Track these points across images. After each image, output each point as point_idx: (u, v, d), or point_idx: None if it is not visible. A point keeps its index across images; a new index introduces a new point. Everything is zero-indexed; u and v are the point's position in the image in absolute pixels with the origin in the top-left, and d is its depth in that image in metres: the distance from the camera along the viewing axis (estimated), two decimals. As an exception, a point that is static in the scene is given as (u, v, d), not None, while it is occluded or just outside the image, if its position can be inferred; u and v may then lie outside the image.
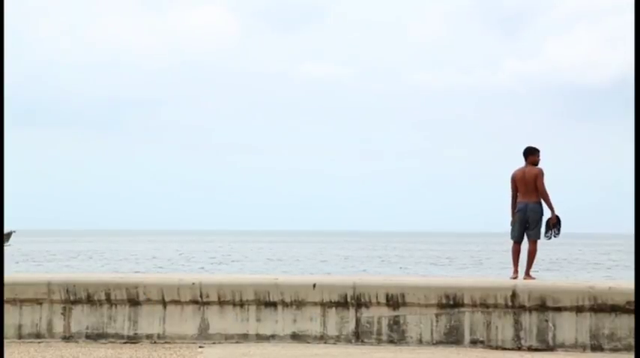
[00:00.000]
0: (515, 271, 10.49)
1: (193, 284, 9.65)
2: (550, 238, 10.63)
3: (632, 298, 8.91)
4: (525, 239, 10.60)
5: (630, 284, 9.15)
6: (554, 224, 10.53)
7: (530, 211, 10.43)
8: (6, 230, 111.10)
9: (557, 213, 10.53)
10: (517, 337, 9.24)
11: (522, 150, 10.67)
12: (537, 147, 10.68)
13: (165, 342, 9.52)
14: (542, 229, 10.58)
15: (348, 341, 9.44)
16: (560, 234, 10.59)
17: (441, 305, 9.36)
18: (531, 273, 10.44)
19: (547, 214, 10.60)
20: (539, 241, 10.59)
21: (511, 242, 10.72)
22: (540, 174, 10.44)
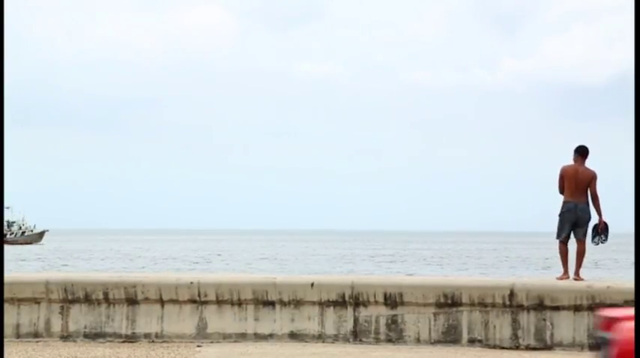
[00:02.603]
0: (566, 272, 10.10)
1: (191, 283, 9.65)
2: (598, 244, 10.37)
3: (630, 297, 8.90)
4: (572, 239, 10.26)
5: (628, 284, 9.16)
6: (603, 229, 10.26)
7: (581, 212, 10.10)
8: (38, 229, 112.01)
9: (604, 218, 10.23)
10: (515, 336, 9.24)
11: (576, 147, 10.28)
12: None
13: (164, 341, 9.51)
14: (590, 233, 10.26)
15: (346, 341, 9.44)
16: (607, 240, 10.38)
17: (439, 305, 9.36)
18: (580, 273, 10.16)
19: (594, 218, 10.28)
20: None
21: (553, 242, 10.33)
22: (596, 177, 10.14)
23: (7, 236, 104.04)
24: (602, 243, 10.32)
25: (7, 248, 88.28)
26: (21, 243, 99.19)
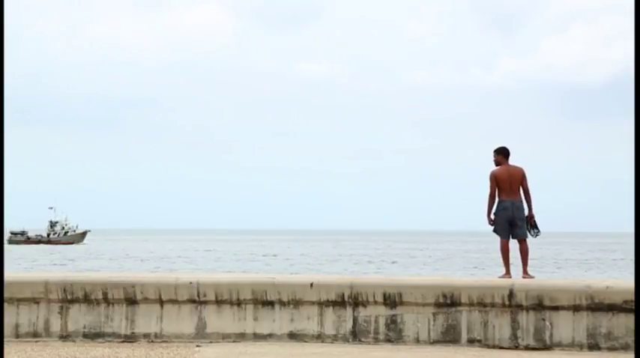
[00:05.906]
0: (508, 272, 10.39)
1: (191, 283, 9.65)
2: (535, 236, 10.65)
3: (630, 297, 8.92)
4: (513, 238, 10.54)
5: (627, 283, 9.15)
6: (535, 223, 10.58)
7: (517, 210, 10.44)
8: (81, 229, 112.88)
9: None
10: (514, 336, 9.24)
11: (499, 149, 10.62)
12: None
13: (163, 341, 9.51)
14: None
15: (346, 341, 9.44)
16: (540, 233, 10.65)
17: (438, 305, 9.36)
18: (529, 271, 10.44)
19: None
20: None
21: (497, 240, 10.65)
22: (525, 173, 10.49)
23: (50, 236, 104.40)
24: (537, 235, 10.58)
25: (50, 247, 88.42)
26: (63, 243, 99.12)
